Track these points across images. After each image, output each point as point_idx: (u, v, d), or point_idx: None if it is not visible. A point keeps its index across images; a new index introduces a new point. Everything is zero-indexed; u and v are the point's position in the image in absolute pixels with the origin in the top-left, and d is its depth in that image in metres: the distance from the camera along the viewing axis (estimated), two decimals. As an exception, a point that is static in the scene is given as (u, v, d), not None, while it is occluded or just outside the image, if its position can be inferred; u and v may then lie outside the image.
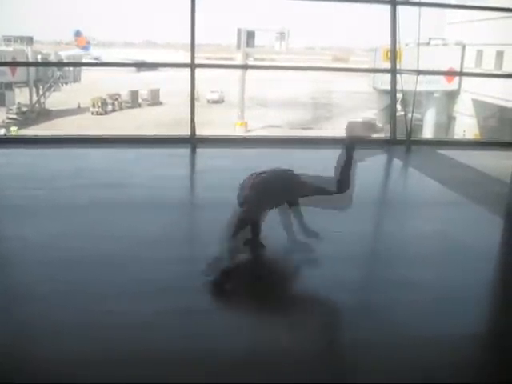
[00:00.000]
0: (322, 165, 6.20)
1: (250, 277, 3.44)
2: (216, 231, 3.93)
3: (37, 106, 30.33)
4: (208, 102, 31.16)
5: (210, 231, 4.05)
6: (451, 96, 24.76)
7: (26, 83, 29.76)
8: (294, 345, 2.63)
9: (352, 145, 3.31)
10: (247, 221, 3.40)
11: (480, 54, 23.32)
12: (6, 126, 25.69)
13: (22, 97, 29.86)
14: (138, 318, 2.78)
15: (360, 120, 3.46)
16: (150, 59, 21.98)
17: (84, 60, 27.57)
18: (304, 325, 2.87)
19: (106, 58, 24.16)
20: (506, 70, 21.27)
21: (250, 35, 26.93)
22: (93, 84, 29.18)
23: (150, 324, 2.72)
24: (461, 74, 24.98)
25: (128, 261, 3.45)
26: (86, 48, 32.10)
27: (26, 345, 2.53)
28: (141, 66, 11.56)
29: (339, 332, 2.76)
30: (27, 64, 26.70)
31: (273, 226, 3.69)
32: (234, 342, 2.66)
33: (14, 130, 25.25)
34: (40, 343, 2.55)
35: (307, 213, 3.67)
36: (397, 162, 6.87)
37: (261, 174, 3.46)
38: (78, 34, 32.85)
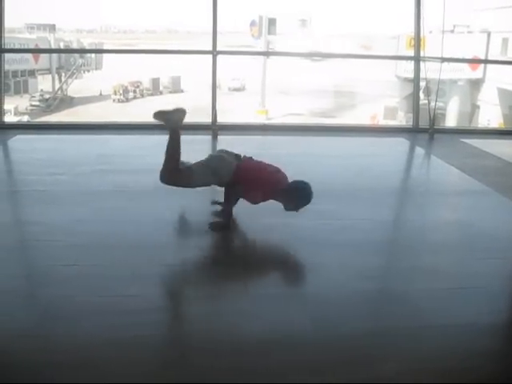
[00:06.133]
0: (342, 152, 6.14)
1: (256, 260, 3.44)
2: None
3: (59, 93, 30.57)
4: (229, 89, 31.14)
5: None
6: (475, 84, 24.40)
7: (48, 70, 30.00)
8: (314, 331, 2.63)
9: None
10: None
11: (505, 41, 22.92)
12: (30, 113, 25.93)
13: (44, 84, 30.11)
14: (158, 303, 2.79)
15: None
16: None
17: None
18: (325, 312, 2.86)
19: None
20: (531, 58, 20.91)
21: (272, 22, 26.79)
22: (114, 71, 29.27)
23: (171, 309, 2.73)
24: (486, 61, 24.55)
25: (148, 246, 3.46)
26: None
27: (48, 327, 2.56)
28: (163, 52, 11.48)
29: (361, 319, 2.74)
30: (51, 51, 26.85)
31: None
32: (252, 325, 2.67)
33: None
34: (62, 326, 2.58)
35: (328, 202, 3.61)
36: (419, 151, 6.80)
37: None
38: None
